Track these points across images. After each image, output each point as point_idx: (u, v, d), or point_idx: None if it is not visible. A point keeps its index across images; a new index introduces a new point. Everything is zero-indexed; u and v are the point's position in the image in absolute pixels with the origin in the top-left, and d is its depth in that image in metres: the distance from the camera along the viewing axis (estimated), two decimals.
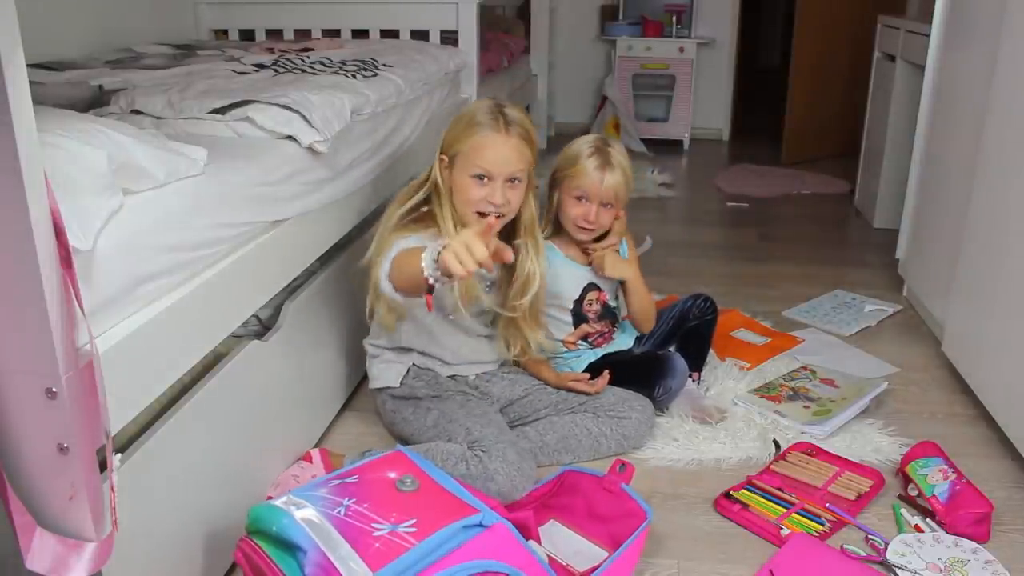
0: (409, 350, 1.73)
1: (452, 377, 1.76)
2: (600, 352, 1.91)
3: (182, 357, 1.16)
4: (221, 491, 1.30)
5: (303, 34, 3.07)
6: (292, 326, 1.55)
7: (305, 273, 1.67)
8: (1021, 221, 1.68)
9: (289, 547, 1.09)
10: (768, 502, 1.56)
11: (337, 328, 1.78)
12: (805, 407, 1.88)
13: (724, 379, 2.02)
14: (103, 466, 0.93)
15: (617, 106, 4.85)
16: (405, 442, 1.68)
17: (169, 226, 1.12)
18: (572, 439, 1.69)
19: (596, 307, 1.89)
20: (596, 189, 1.77)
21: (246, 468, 1.40)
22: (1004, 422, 1.73)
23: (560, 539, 1.48)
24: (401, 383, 1.71)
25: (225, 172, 1.30)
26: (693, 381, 1.92)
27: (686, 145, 4.99)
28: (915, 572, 1.36)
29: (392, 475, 1.25)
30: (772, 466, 1.68)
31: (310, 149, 1.57)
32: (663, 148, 4.87)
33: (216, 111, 1.55)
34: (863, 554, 1.42)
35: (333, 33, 3.07)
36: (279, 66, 2.08)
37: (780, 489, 1.59)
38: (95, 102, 1.66)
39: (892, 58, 3.19)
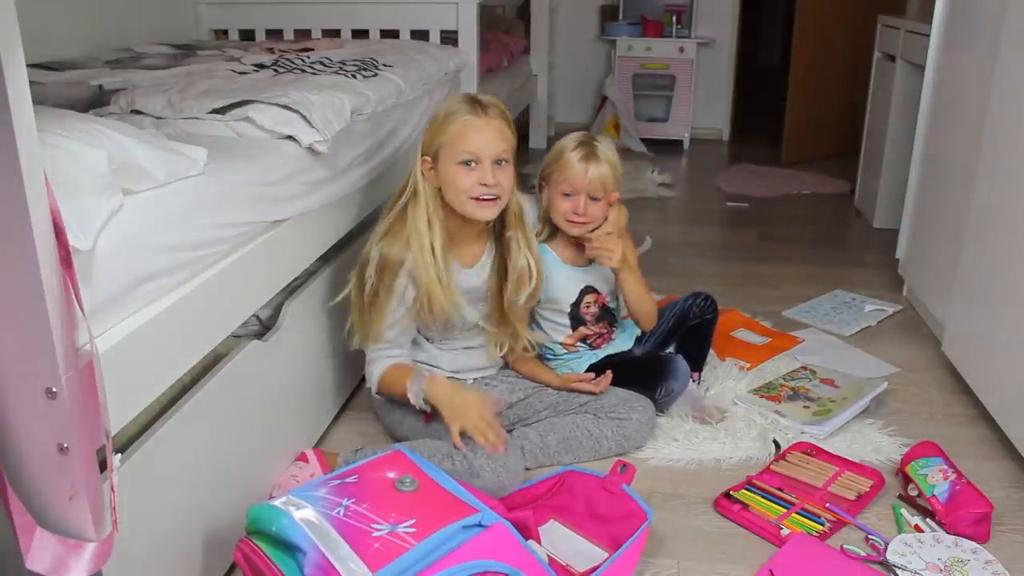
0: None
1: (450, 379, 1.76)
2: (600, 353, 1.91)
3: (182, 357, 1.16)
4: (221, 491, 1.30)
5: (303, 34, 3.07)
6: (292, 326, 1.55)
7: (305, 273, 1.67)
8: (1021, 221, 1.68)
9: (288, 547, 1.09)
10: (768, 502, 1.56)
11: (337, 328, 1.78)
12: (805, 407, 1.88)
13: (724, 379, 2.02)
14: (103, 466, 0.93)
15: (617, 106, 4.85)
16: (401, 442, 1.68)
17: (169, 226, 1.12)
18: (573, 440, 1.69)
19: (594, 309, 1.89)
20: (581, 181, 1.75)
21: (246, 468, 1.40)
22: (1004, 422, 1.73)
23: (560, 539, 1.48)
24: None
25: (225, 172, 1.30)
26: (694, 381, 1.92)
27: (686, 145, 4.99)
28: (915, 572, 1.36)
29: (391, 475, 1.25)
30: (772, 466, 1.68)
31: (310, 149, 1.57)
32: (663, 148, 4.87)
33: (216, 111, 1.55)
34: (863, 554, 1.42)
35: (333, 33, 3.07)
36: (279, 66, 2.08)
37: (780, 489, 1.59)
38: (95, 102, 1.66)
39: (892, 58, 3.19)
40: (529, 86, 4.54)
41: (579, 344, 1.91)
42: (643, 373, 1.83)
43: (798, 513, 1.53)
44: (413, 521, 1.13)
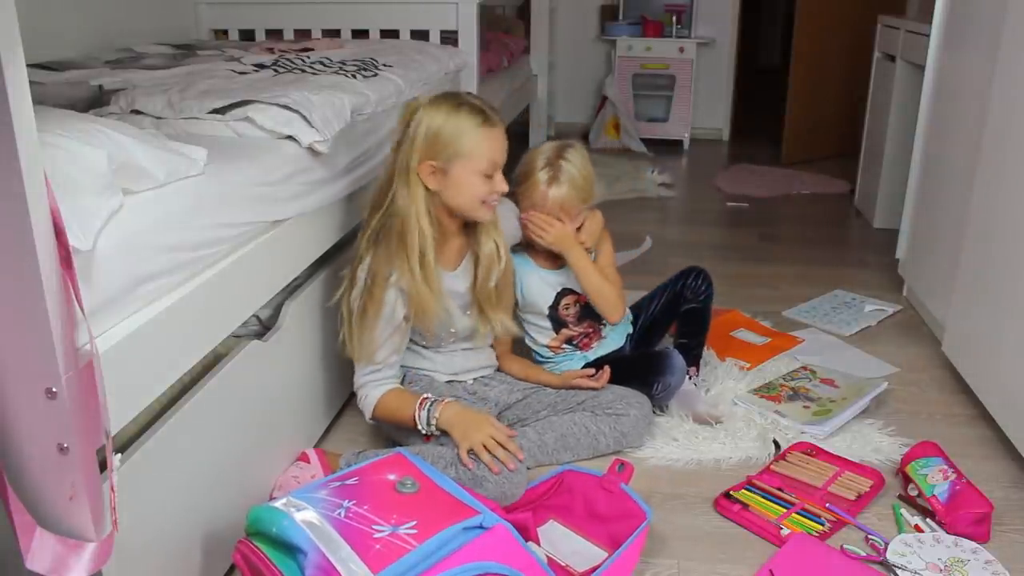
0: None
1: (449, 383, 1.76)
2: (591, 356, 1.91)
3: (182, 357, 1.16)
4: (220, 491, 1.30)
5: (303, 34, 3.08)
6: (292, 326, 1.55)
7: (305, 273, 1.67)
8: (1021, 221, 1.68)
9: (289, 549, 1.09)
10: (768, 502, 1.56)
11: (337, 329, 1.78)
12: (805, 407, 1.88)
13: (724, 379, 2.02)
14: (103, 466, 0.93)
15: (617, 106, 4.85)
16: (399, 446, 1.68)
17: (169, 226, 1.12)
18: (571, 437, 1.69)
19: (574, 310, 1.89)
20: (544, 203, 1.77)
21: (246, 468, 1.40)
22: (1004, 422, 1.73)
23: (559, 539, 1.48)
24: None
25: (225, 172, 1.30)
26: (690, 379, 1.92)
27: (686, 145, 4.99)
28: (915, 572, 1.36)
29: (392, 477, 1.24)
30: (772, 466, 1.68)
31: (310, 149, 1.57)
32: (663, 148, 4.87)
33: (216, 111, 1.55)
34: (863, 554, 1.42)
35: (333, 33, 3.07)
36: (279, 66, 2.08)
37: (780, 489, 1.59)
38: (95, 102, 1.66)
39: (892, 58, 3.19)
40: (529, 86, 4.54)
41: (565, 346, 1.92)
42: (638, 370, 1.83)
43: (798, 513, 1.53)
44: (414, 523, 1.13)
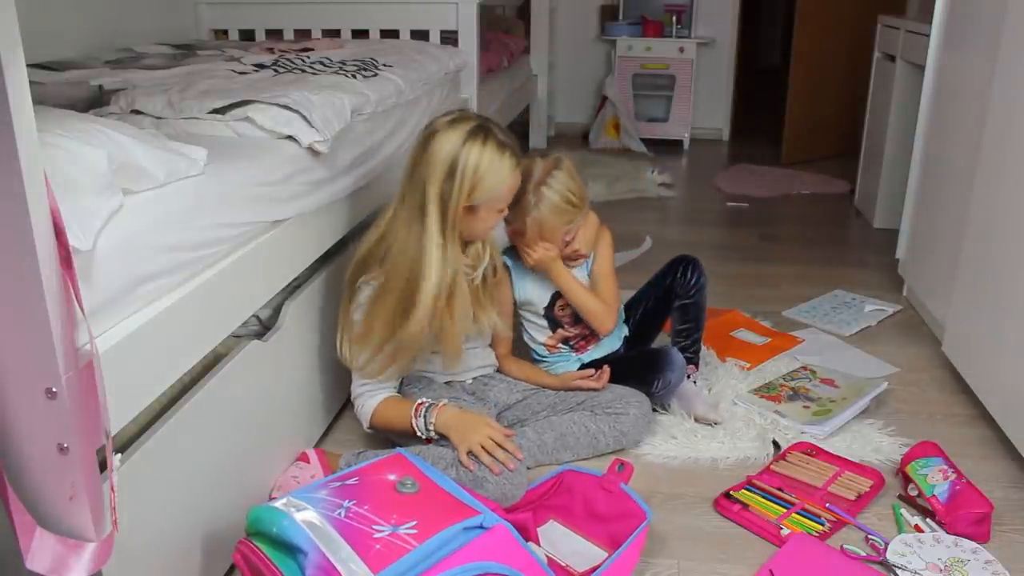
0: None
1: (448, 383, 1.76)
2: (586, 358, 1.91)
3: (182, 357, 1.16)
4: (221, 491, 1.30)
5: (303, 34, 3.08)
6: (292, 326, 1.55)
7: (305, 273, 1.67)
8: (1021, 221, 1.68)
9: (289, 549, 1.09)
10: (768, 502, 1.56)
11: (337, 328, 1.78)
12: (805, 407, 1.88)
13: (724, 379, 2.02)
14: (103, 466, 0.93)
15: (617, 106, 4.85)
16: (399, 446, 1.68)
17: (169, 226, 1.12)
18: (570, 437, 1.69)
19: (569, 311, 1.89)
20: (524, 229, 1.76)
21: (245, 468, 1.40)
22: (1004, 422, 1.73)
23: (559, 539, 1.48)
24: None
25: (225, 172, 1.30)
26: (689, 377, 1.91)
27: (686, 145, 4.99)
28: (915, 572, 1.36)
29: (392, 477, 1.24)
30: (772, 466, 1.68)
31: (310, 149, 1.57)
32: (663, 148, 4.87)
33: (216, 111, 1.55)
34: (863, 554, 1.42)
35: (333, 33, 3.07)
36: (279, 66, 2.08)
37: (780, 489, 1.59)
38: (95, 102, 1.66)
39: (892, 58, 3.19)
40: (529, 86, 4.54)
41: (560, 346, 1.92)
42: (637, 368, 1.82)
43: (798, 513, 1.53)
44: (414, 523, 1.13)
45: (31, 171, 0.80)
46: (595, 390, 1.77)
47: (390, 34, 3.05)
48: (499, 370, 1.86)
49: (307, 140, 1.55)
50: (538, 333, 1.93)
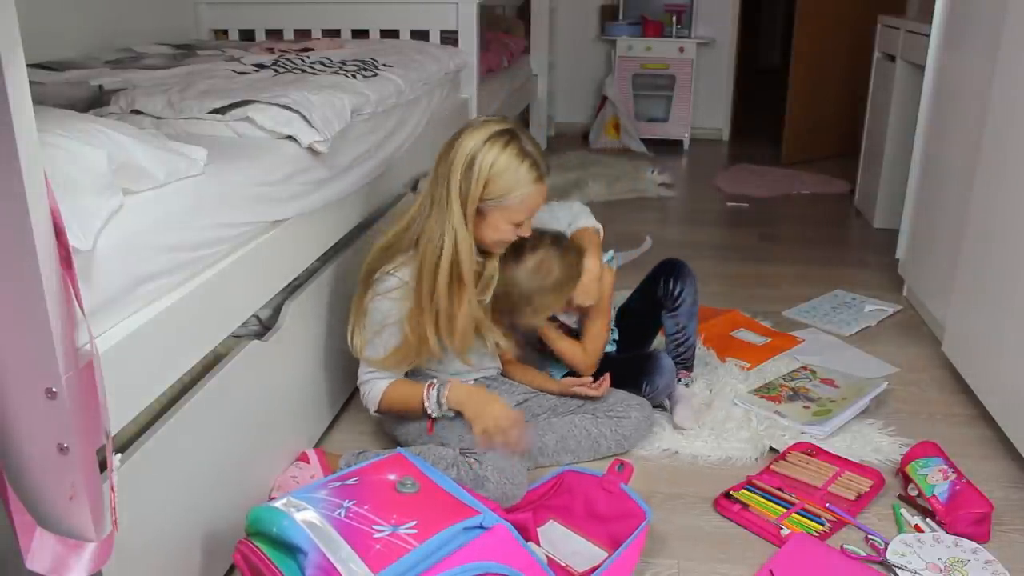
0: None
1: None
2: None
3: (182, 357, 1.16)
4: (220, 491, 1.30)
5: (303, 34, 3.07)
6: (292, 326, 1.55)
7: (305, 273, 1.67)
8: (1021, 221, 1.68)
9: (289, 549, 1.09)
10: (768, 502, 1.56)
11: (337, 328, 1.78)
12: (805, 407, 1.88)
13: (724, 379, 2.02)
14: (103, 466, 0.93)
15: (617, 106, 4.85)
16: (400, 445, 1.68)
17: (169, 226, 1.12)
18: (571, 440, 1.69)
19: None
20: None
21: (245, 468, 1.40)
22: (1004, 422, 1.73)
23: (559, 539, 1.48)
24: None
25: (225, 172, 1.30)
26: (680, 381, 1.89)
27: (686, 145, 4.99)
28: (915, 572, 1.36)
29: (392, 477, 1.24)
30: (772, 466, 1.68)
31: (310, 149, 1.57)
32: (663, 148, 4.87)
33: (216, 111, 1.55)
34: (863, 554, 1.42)
35: (333, 33, 3.07)
36: (279, 66, 2.08)
37: (780, 489, 1.59)
38: (95, 102, 1.66)
39: (892, 58, 3.19)
40: (529, 86, 4.54)
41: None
42: (627, 371, 1.82)
43: (798, 513, 1.53)
44: (414, 523, 1.13)
45: (31, 171, 0.80)
46: (595, 398, 1.76)
47: (390, 34, 3.05)
48: (502, 373, 1.86)
49: (307, 140, 1.55)
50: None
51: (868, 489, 1.59)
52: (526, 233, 1.61)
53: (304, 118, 1.56)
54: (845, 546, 1.44)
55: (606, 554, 1.43)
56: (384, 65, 2.20)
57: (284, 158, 1.50)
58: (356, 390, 1.93)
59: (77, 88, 1.76)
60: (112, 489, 0.91)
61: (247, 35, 3.16)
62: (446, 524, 1.12)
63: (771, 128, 5.03)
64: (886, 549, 1.41)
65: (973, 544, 1.42)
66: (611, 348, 1.96)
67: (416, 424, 1.65)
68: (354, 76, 1.99)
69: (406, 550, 1.07)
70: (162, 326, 1.09)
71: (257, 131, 1.54)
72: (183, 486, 1.18)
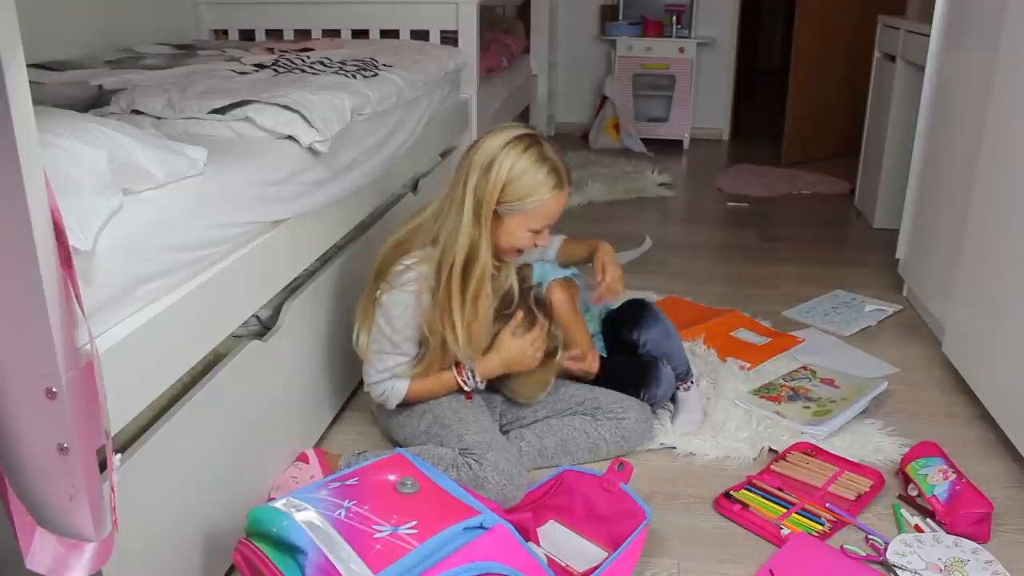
0: None
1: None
2: None
3: (182, 357, 1.16)
4: (221, 491, 1.30)
5: (303, 34, 3.08)
6: (292, 326, 1.55)
7: (305, 273, 1.67)
8: (1021, 221, 1.68)
9: (289, 549, 1.09)
10: (768, 502, 1.56)
11: (337, 328, 1.78)
12: (805, 407, 1.88)
13: (725, 379, 2.01)
14: (103, 466, 0.93)
15: (617, 106, 4.85)
16: (399, 446, 1.68)
17: (169, 226, 1.12)
18: (571, 442, 1.69)
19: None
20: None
21: (246, 468, 1.40)
22: (1004, 422, 1.73)
23: (559, 540, 1.48)
24: None
25: (225, 172, 1.30)
26: (680, 389, 1.87)
27: (686, 145, 4.99)
28: (915, 572, 1.36)
29: (392, 477, 1.24)
30: (772, 466, 1.68)
31: (310, 149, 1.57)
32: (663, 148, 4.87)
33: (216, 111, 1.55)
34: (863, 554, 1.42)
35: (333, 33, 3.07)
36: (279, 66, 2.08)
37: (780, 489, 1.59)
38: (95, 102, 1.66)
39: (892, 58, 3.19)
40: (529, 86, 4.54)
41: None
42: (625, 378, 1.81)
43: (798, 513, 1.53)
44: (415, 523, 1.13)
45: (31, 171, 0.80)
46: (589, 374, 1.78)
47: (390, 34, 3.05)
48: None
49: (307, 140, 1.55)
50: None
51: (868, 489, 1.59)
52: (544, 242, 1.62)
53: (304, 118, 1.56)
54: (845, 546, 1.44)
55: (606, 554, 1.43)
56: (384, 65, 2.20)
57: (284, 158, 1.50)
58: (356, 390, 1.94)
59: (77, 88, 1.76)
60: (112, 489, 0.91)
61: (247, 35, 3.16)
62: (446, 524, 1.12)
63: (771, 128, 5.03)
64: (886, 549, 1.41)
65: (973, 544, 1.42)
66: (595, 328, 1.95)
67: (416, 424, 1.65)
68: (354, 76, 1.99)
69: (406, 550, 1.07)
70: (162, 326, 1.09)
71: (257, 131, 1.54)
72: (183, 486, 1.18)
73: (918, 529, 1.49)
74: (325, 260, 1.76)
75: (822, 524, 1.50)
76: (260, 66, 2.10)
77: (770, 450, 1.75)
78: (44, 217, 0.82)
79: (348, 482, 1.23)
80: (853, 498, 1.57)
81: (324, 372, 1.75)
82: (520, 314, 1.67)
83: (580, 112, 5.34)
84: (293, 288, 1.63)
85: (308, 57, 2.28)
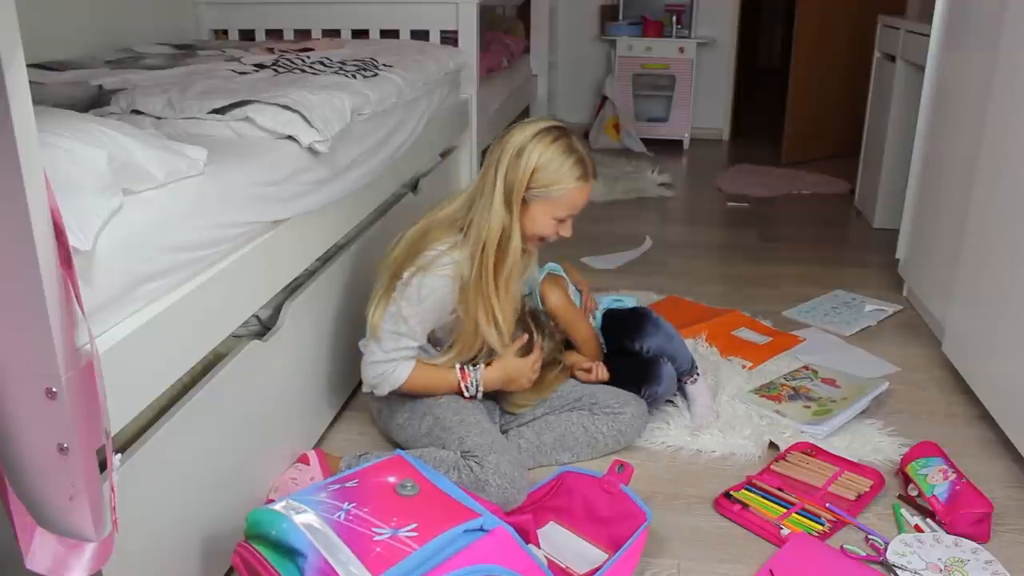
0: None
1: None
2: None
3: (182, 357, 1.16)
4: (220, 491, 1.30)
5: (303, 34, 3.07)
6: (292, 326, 1.55)
7: (305, 273, 1.67)
8: (1021, 221, 1.68)
9: (289, 552, 1.09)
10: (768, 502, 1.56)
11: (337, 328, 1.78)
12: (806, 407, 1.88)
13: (726, 378, 2.01)
14: (103, 466, 0.92)
15: (617, 106, 4.85)
16: (399, 448, 1.68)
17: (169, 226, 1.12)
18: (569, 437, 1.69)
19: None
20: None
21: (245, 469, 1.40)
22: (1004, 422, 1.73)
23: (559, 541, 1.48)
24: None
25: (225, 172, 1.30)
26: (684, 383, 1.89)
27: (686, 145, 4.99)
28: (915, 572, 1.36)
29: (392, 479, 1.24)
30: (772, 466, 1.68)
31: (310, 149, 1.56)
32: (663, 148, 4.87)
33: (216, 111, 1.55)
34: (863, 554, 1.42)
35: (333, 33, 3.07)
36: (279, 66, 2.08)
37: (780, 489, 1.59)
38: (95, 102, 1.66)
39: (892, 58, 3.19)
40: (529, 86, 4.54)
41: None
42: (627, 376, 1.82)
43: (798, 513, 1.53)
44: (415, 525, 1.12)
45: (31, 171, 0.80)
46: (592, 383, 1.78)
47: (390, 34, 3.05)
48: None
49: (307, 140, 1.55)
50: None
51: (868, 489, 1.59)
52: (566, 233, 1.64)
53: (304, 118, 1.56)
54: (845, 546, 1.44)
55: (606, 556, 1.43)
56: (384, 65, 2.20)
57: (284, 158, 1.50)
58: (356, 390, 1.94)
59: (77, 88, 1.76)
60: (112, 489, 0.91)
61: (247, 35, 3.16)
62: (446, 527, 1.12)
63: (771, 128, 5.03)
64: (886, 549, 1.41)
65: (973, 544, 1.42)
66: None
67: (417, 426, 1.65)
68: (354, 76, 1.99)
69: (406, 553, 1.07)
70: (162, 326, 1.08)
71: (257, 131, 1.54)
72: (183, 486, 1.18)
73: (918, 529, 1.49)
74: (325, 260, 1.76)
75: (822, 524, 1.50)
76: (260, 66, 2.09)
77: (771, 444, 1.75)
78: (44, 217, 0.82)
79: (348, 484, 1.23)
80: (853, 498, 1.57)
81: (324, 372, 1.74)
82: (524, 336, 1.69)
83: (580, 112, 5.34)
84: (293, 288, 1.63)
85: (308, 57, 2.28)
